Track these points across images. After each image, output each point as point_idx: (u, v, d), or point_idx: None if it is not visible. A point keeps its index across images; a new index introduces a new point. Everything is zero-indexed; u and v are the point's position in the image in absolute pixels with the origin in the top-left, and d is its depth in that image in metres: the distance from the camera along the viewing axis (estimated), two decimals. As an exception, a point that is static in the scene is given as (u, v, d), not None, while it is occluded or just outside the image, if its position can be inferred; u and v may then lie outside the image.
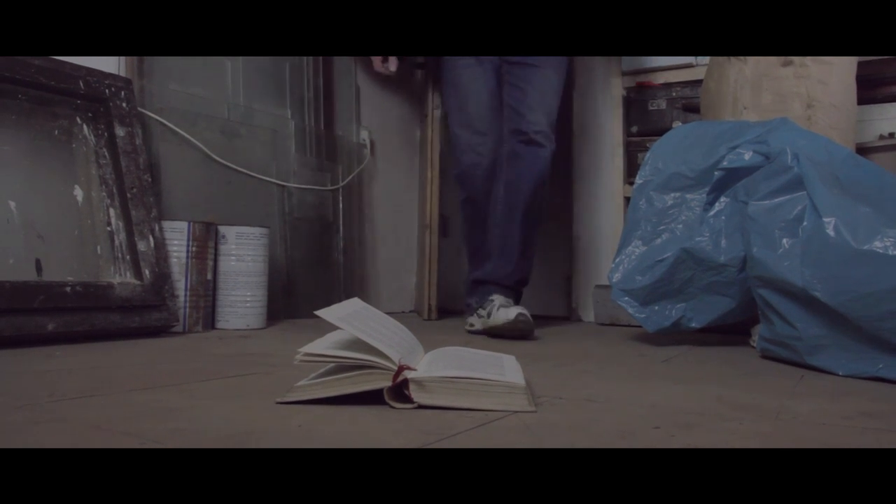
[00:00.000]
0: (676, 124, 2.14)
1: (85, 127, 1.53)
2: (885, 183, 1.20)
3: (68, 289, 1.34)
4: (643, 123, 2.20)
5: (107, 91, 1.57)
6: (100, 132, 1.55)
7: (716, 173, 1.43)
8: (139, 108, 1.70)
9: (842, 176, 1.25)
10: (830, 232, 1.12)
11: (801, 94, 1.67)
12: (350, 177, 2.32)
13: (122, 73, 1.72)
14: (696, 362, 1.28)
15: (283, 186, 2.07)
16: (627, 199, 2.23)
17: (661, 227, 1.54)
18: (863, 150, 1.86)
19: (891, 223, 1.08)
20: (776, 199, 1.26)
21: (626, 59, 2.24)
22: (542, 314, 2.59)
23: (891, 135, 1.94)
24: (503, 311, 1.69)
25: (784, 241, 1.21)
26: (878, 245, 1.07)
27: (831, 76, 1.68)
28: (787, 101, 1.67)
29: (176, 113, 1.81)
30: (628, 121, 2.23)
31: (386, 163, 2.54)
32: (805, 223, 1.18)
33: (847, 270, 1.09)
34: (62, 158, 1.50)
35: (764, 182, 1.30)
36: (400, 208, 2.59)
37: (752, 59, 1.72)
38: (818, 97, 1.67)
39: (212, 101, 1.90)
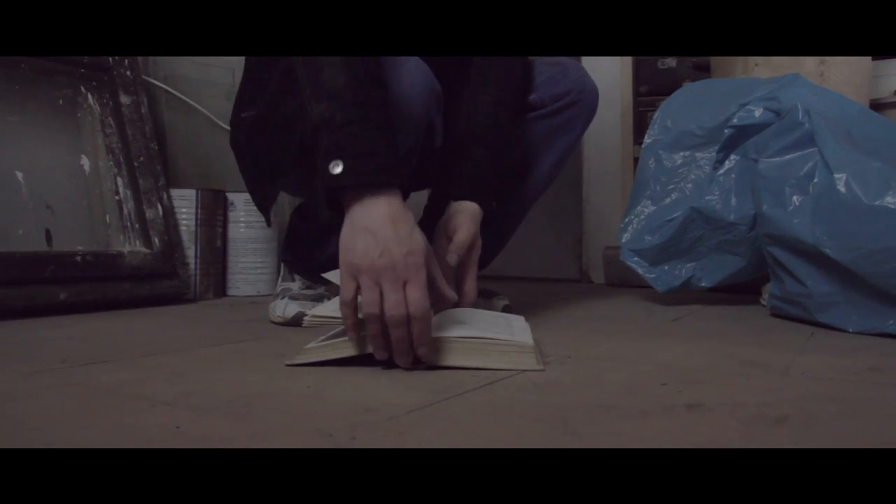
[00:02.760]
0: (686, 83, 2.11)
1: (90, 96, 1.53)
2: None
3: (78, 258, 1.35)
4: (653, 83, 2.17)
5: (110, 59, 1.56)
6: (104, 101, 1.54)
7: (726, 131, 1.41)
8: (144, 77, 1.69)
9: (854, 131, 1.23)
10: (841, 188, 1.11)
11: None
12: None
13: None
14: (706, 321, 1.28)
15: (291, 153, 2.06)
16: (637, 161, 2.21)
17: (671, 187, 1.53)
18: (877, 105, 1.83)
19: (903, 177, 1.06)
20: (787, 156, 1.24)
21: (634, 17, 2.20)
22: (553, 277, 2.59)
23: (905, 89, 1.91)
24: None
25: (794, 198, 1.20)
26: (889, 200, 1.05)
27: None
28: (798, 57, 1.64)
29: (181, 80, 1.80)
30: (637, 80, 2.20)
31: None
32: (816, 179, 1.16)
33: (858, 226, 1.08)
34: (68, 129, 1.49)
35: (774, 139, 1.28)
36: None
37: (763, 14, 1.69)
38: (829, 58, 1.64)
39: (217, 66, 1.89)
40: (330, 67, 0.80)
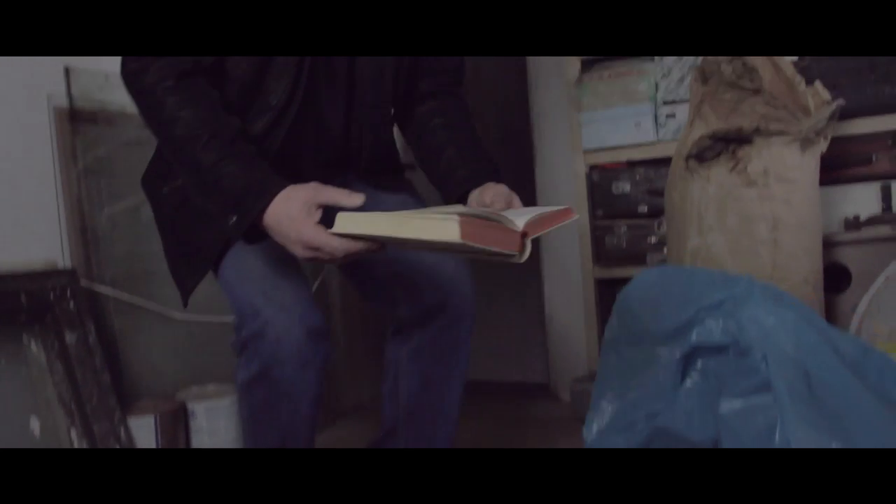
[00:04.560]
0: (646, 269, 2.11)
1: (33, 343, 1.48)
2: (855, 399, 1.19)
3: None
4: (608, 206, 2.15)
5: (51, 295, 1.51)
6: (49, 344, 1.49)
7: (685, 346, 1.41)
8: (89, 285, 1.64)
9: (813, 374, 1.23)
10: (803, 454, 1.12)
11: (765, 217, 1.64)
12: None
13: (67, 258, 1.65)
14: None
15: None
16: (597, 282, 2.21)
17: (634, 382, 1.53)
18: (830, 244, 1.83)
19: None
20: (748, 401, 1.25)
21: (585, 135, 2.18)
22: (520, 380, 2.60)
23: (856, 218, 1.92)
24: None
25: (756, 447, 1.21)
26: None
27: (794, 193, 1.65)
28: (752, 223, 1.64)
29: (130, 277, 1.75)
30: (593, 203, 2.19)
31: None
32: (777, 439, 1.17)
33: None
34: (13, 387, 1.45)
35: (733, 377, 1.28)
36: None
37: (714, 178, 1.68)
38: (783, 218, 1.64)
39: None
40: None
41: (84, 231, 1.69)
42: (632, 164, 2.15)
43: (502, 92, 2.97)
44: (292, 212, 0.97)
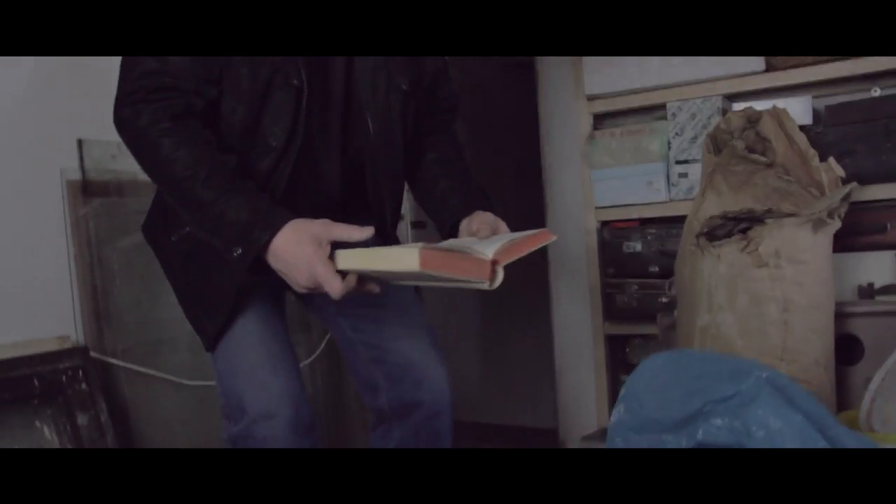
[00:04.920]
0: (653, 356, 2.10)
1: (45, 429, 1.50)
2: None
3: None
4: (619, 265, 2.15)
5: (63, 378, 1.53)
6: (61, 427, 1.51)
7: (691, 441, 1.41)
8: (101, 357, 1.66)
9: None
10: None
11: (776, 299, 1.62)
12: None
13: (80, 332, 1.68)
14: None
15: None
16: (607, 338, 2.20)
17: (641, 468, 1.53)
18: (842, 315, 1.81)
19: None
20: None
21: (597, 192, 2.17)
22: (531, 426, 2.61)
23: (870, 286, 1.90)
24: None
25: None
26: None
27: (806, 275, 1.63)
28: (762, 304, 1.63)
29: (140, 346, 1.76)
30: (604, 261, 2.18)
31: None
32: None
33: None
34: (27, 473, 1.47)
35: (740, 484, 1.28)
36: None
37: (725, 257, 1.66)
38: (794, 299, 1.62)
39: (174, 320, 1.85)
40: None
41: (96, 303, 1.70)
42: (643, 222, 2.14)
43: (515, 147, 2.98)
44: (303, 244, 1.00)
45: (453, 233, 1.26)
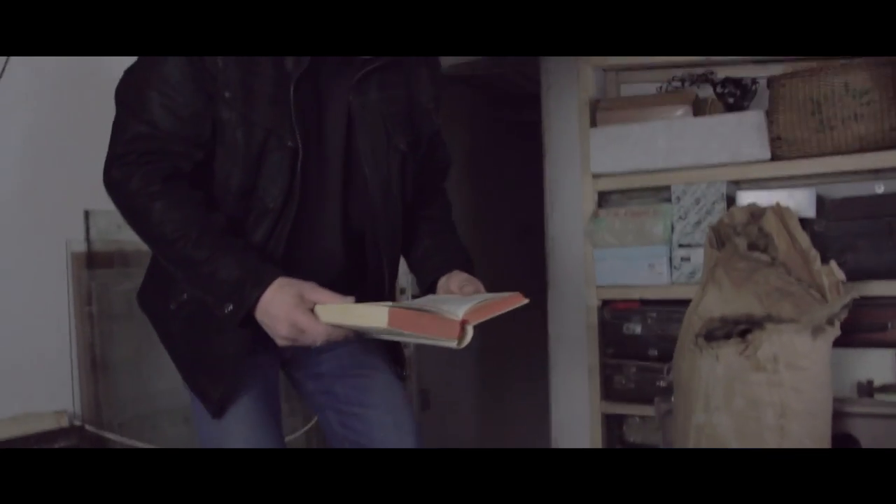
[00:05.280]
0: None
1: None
2: None
3: None
4: (618, 346, 2.15)
5: (59, 458, 1.53)
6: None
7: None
8: (97, 431, 1.67)
9: None
10: None
11: (773, 404, 1.62)
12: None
13: (78, 404, 1.69)
14: None
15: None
16: (606, 416, 2.20)
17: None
18: (840, 413, 1.81)
19: None
20: None
21: (599, 271, 2.18)
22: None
23: (869, 383, 1.90)
24: None
25: None
26: None
27: (804, 381, 1.63)
28: (759, 408, 1.63)
29: (138, 419, 1.77)
30: (604, 340, 2.18)
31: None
32: None
33: None
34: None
35: None
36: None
37: (723, 358, 1.66)
38: (792, 405, 1.62)
39: (173, 391, 1.85)
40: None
41: (95, 376, 1.71)
42: (644, 303, 2.14)
43: (518, 223, 2.99)
44: (286, 299, 1.05)
45: (432, 289, 1.29)
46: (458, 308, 1.03)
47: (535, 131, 2.57)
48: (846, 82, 1.92)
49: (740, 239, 1.75)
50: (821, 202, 2.04)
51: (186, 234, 1.06)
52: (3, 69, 1.61)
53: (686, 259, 2.09)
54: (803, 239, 1.77)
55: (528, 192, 2.80)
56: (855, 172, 1.98)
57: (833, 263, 1.72)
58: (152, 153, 1.09)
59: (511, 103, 3.21)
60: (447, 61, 2.14)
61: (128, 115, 1.11)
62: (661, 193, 2.15)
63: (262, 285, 1.05)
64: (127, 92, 1.13)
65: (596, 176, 2.18)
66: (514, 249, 3.07)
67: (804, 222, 1.93)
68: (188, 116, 1.09)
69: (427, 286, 1.31)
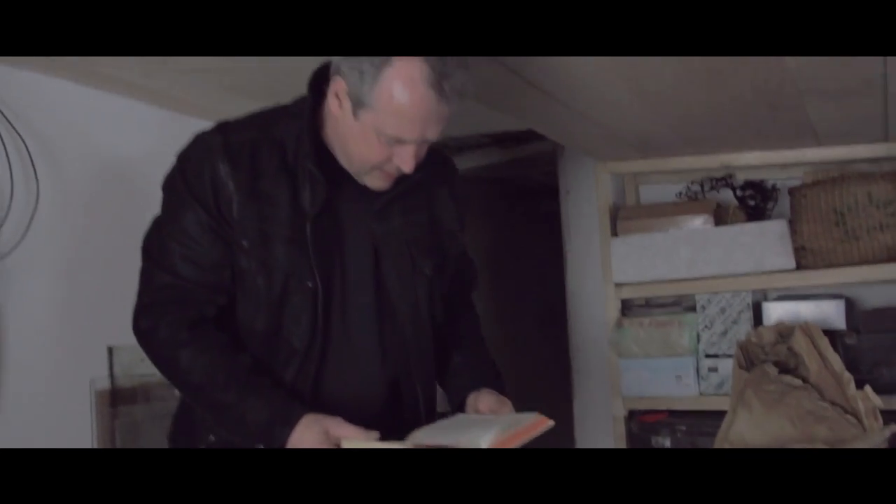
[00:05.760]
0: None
1: None
2: None
3: None
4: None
5: None
6: None
7: None
8: None
9: None
10: None
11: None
12: None
13: None
14: None
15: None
16: None
17: None
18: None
19: None
20: None
21: (625, 382, 2.14)
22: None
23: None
24: None
25: None
26: None
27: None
28: None
29: None
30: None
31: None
32: None
33: None
34: None
35: None
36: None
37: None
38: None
39: None
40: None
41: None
42: (672, 414, 2.10)
43: (541, 310, 2.97)
44: (312, 436, 1.06)
45: (462, 406, 1.28)
46: (482, 437, 1.04)
47: (553, 221, 2.55)
48: (869, 192, 1.91)
49: (769, 366, 1.72)
50: (849, 306, 2.01)
51: (213, 380, 1.09)
52: (33, 215, 1.63)
53: (713, 369, 2.06)
54: (835, 360, 1.73)
55: (549, 278, 2.78)
56: (883, 282, 1.95)
57: (868, 388, 1.68)
58: (177, 301, 1.12)
59: (529, 195, 3.23)
60: (463, 164, 2.15)
61: (152, 266, 1.15)
62: (685, 301, 2.13)
63: (290, 424, 1.07)
64: (150, 243, 1.16)
65: (619, 285, 2.16)
66: (536, 338, 3.04)
67: (834, 334, 1.90)
68: (209, 266, 1.12)
69: (457, 405, 1.30)
